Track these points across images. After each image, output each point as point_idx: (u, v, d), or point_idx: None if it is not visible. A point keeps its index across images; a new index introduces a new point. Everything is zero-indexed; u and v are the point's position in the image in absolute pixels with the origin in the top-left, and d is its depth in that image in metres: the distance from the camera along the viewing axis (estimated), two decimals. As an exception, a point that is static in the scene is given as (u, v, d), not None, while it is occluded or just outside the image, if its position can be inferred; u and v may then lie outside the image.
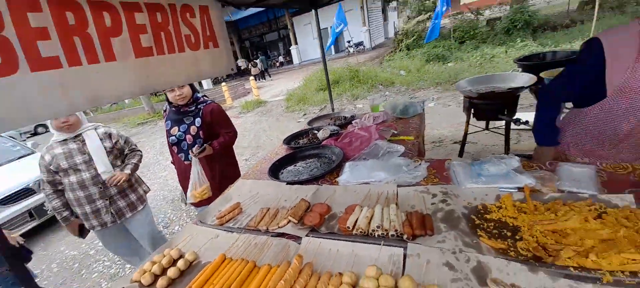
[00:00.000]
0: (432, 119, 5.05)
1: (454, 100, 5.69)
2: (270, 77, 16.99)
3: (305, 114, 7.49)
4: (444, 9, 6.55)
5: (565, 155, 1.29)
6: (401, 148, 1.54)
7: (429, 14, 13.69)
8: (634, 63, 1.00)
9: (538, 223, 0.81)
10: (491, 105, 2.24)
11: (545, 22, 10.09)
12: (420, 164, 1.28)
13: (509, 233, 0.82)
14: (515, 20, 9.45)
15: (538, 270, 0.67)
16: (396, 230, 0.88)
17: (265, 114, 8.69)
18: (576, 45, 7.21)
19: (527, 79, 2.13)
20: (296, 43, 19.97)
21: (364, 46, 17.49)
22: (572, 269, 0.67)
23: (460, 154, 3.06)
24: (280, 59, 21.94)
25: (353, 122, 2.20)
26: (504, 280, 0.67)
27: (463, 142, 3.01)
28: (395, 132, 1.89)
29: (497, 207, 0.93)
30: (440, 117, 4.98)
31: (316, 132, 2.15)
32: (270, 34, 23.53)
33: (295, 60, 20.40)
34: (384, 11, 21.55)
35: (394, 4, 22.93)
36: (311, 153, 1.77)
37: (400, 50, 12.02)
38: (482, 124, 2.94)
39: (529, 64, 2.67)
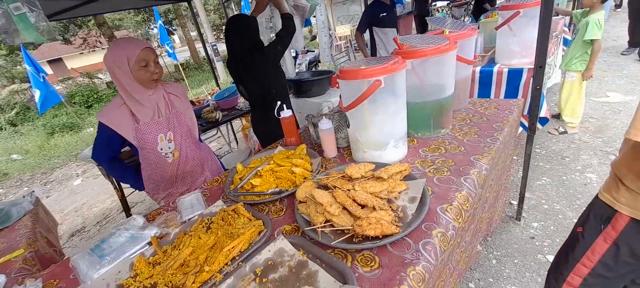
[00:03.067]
0: (86, 197, 4.00)
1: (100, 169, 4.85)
2: None
3: None
4: (42, 76, 5.16)
5: None
6: (1, 280, 0.96)
7: (24, 81, 10.44)
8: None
9: (167, 268, 0.81)
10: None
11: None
12: (28, 287, 0.86)
13: (147, 298, 0.75)
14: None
15: (171, 318, 0.65)
16: None
17: None
18: (190, 93, 8.85)
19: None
20: None
21: None
22: (196, 291, 0.72)
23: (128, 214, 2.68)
24: None
25: None
26: None
27: (124, 208, 2.64)
28: None
29: (132, 277, 0.83)
30: (95, 191, 4.05)
31: None
32: None
33: None
34: None
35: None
36: None
37: (1, 129, 8.15)
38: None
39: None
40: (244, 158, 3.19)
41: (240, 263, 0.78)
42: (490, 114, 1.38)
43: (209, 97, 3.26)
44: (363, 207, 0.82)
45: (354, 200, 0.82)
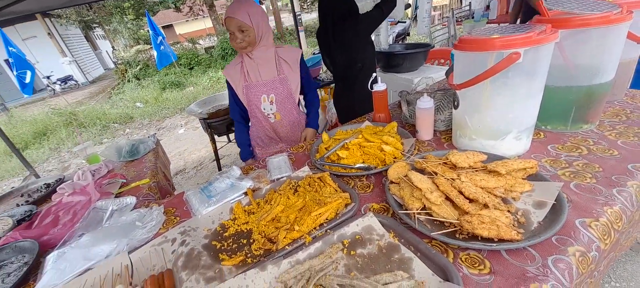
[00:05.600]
0: (187, 144, 4.82)
1: (199, 122, 5.74)
2: None
3: (-11, 196, 4.63)
4: (159, 39, 6.28)
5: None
6: (131, 200, 1.24)
7: (147, 42, 12.84)
8: None
9: (261, 218, 0.90)
10: (221, 122, 2.38)
11: None
12: (154, 211, 1.08)
13: (245, 241, 0.85)
14: (225, 47, 10.91)
15: (266, 266, 0.72)
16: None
17: None
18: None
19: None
20: None
21: (77, 81, 13.42)
22: (287, 247, 0.78)
23: (219, 168, 3.13)
24: None
25: (59, 188, 1.54)
26: (244, 293, 0.67)
27: (216, 159, 3.09)
28: (125, 180, 1.52)
29: (232, 220, 0.95)
30: (194, 141, 4.85)
31: (-14, 229, 1.31)
32: None
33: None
34: (88, 39, 17.42)
35: (100, 31, 19.18)
36: (-30, 273, 1.03)
37: (129, 81, 10.37)
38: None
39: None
40: (322, 130, 3.30)
41: (328, 230, 0.80)
42: (663, 112, 1.03)
43: (293, 66, 3.40)
44: (471, 201, 0.72)
45: (460, 192, 0.74)
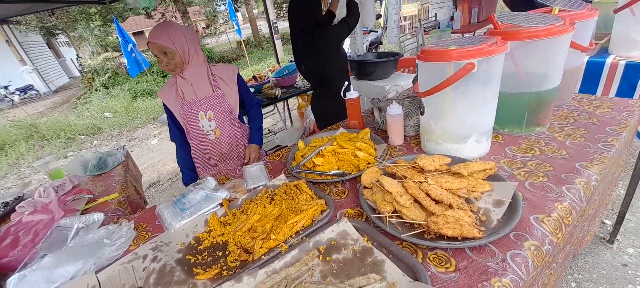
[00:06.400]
0: (161, 155, 4.62)
1: (174, 130, 5.52)
2: None
3: None
4: (129, 47, 6.03)
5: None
6: (99, 217, 1.17)
7: (116, 49, 12.24)
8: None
9: (237, 229, 0.88)
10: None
11: (222, 56, 12.84)
12: (123, 227, 1.03)
13: (220, 253, 0.83)
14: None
15: (242, 277, 0.71)
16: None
17: None
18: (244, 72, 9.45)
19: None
20: None
21: (38, 91, 12.46)
22: (263, 257, 0.77)
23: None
24: None
25: (18, 207, 1.42)
26: (220, 307, 0.66)
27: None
28: (92, 195, 1.43)
29: (207, 232, 0.92)
30: (169, 151, 4.65)
31: None
32: None
33: None
34: (50, 46, 16.27)
35: (63, 38, 18.01)
36: None
37: (96, 90, 9.80)
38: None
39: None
40: (299, 136, 3.30)
41: (304, 238, 0.81)
42: (603, 114, 1.15)
43: (270, 74, 3.39)
44: (437, 202, 0.76)
45: (428, 194, 0.77)
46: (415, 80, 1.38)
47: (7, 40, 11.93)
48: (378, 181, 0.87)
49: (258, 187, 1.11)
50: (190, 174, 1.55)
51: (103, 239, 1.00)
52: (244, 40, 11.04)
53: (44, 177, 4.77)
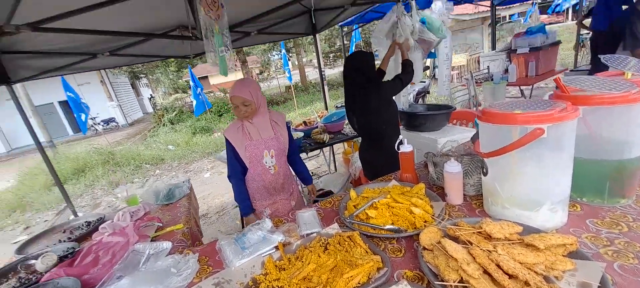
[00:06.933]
0: (211, 188, 4.96)
1: (226, 167, 5.96)
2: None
3: (27, 228, 4.92)
4: (198, 90, 7.00)
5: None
6: (167, 245, 1.30)
7: (184, 91, 14.14)
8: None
9: (292, 276, 0.91)
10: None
11: (271, 99, 14.13)
12: (189, 259, 1.12)
13: (276, 299, 0.86)
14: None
15: (300, 328, 0.72)
16: None
17: None
18: (291, 115, 10.04)
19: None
20: (-7, 125, 13.38)
21: (118, 123, 14.66)
22: (320, 309, 0.77)
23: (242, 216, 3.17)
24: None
25: (100, 227, 1.64)
26: None
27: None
28: (161, 224, 1.59)
29: (263, 275, 0.96)
30: (218, 185, 4.99)
31: (33, 262, 1.39)
32: None
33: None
34: (133, 86, 19.50)
35: (144, 80, 21.44)
36: (18, 308, 1.09)
37: (164, 125, 11.18)
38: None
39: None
40: (344, 182, 3.32)
41: (361, 295, 0.80)
42: None
43: (318, 119, 3.59)
44: (510, 277, 0.71)
45: (499, 266, 0.73)
46: (474, 138, 1.35)
47: (101, 81, 14.59)
48: (439, 243, 0.84)
49: (312, 233, 1.14)
50: (248, 205, 1.72)
51: (170, 268, 1.10)
52: (293, 85, 11.94)
53: (113, 199, 5.41)
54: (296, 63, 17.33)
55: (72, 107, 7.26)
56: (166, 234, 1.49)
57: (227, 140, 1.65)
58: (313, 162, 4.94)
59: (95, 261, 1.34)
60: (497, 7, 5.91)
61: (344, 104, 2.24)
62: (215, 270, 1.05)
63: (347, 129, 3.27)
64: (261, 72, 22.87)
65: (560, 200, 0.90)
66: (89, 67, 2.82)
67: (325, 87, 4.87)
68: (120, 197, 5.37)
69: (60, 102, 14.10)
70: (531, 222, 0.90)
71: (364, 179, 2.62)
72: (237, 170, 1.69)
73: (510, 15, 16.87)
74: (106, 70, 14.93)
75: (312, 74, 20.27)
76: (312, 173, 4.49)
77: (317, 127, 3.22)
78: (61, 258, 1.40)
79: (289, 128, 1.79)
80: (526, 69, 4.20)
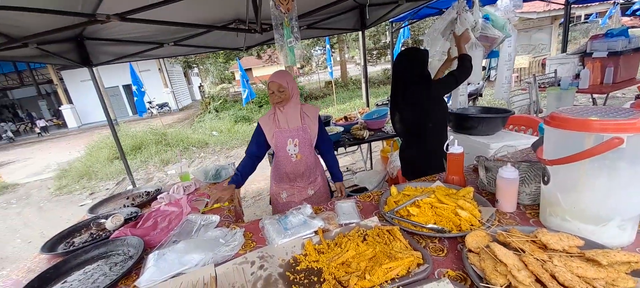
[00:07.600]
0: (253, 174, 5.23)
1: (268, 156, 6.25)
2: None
3: (92, 193, 5.67)
4: (246, 81, 7.47)
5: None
6: (216, 218, 1.43)
7: (229, 82, 15.05)
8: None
9: (331, 260, 0.95)
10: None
11: (310, 93, 14.33)
12: (236, 232, 1.23)
13: (315, 278, 0.91)
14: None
15: (338, 306, 0.76)
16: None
17: (17, 202, 5.81)
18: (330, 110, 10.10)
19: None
20: (70, 102, 15.49)
21: (170, 107, 16.11)
22: (358, 293, 0.81)
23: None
24: (41, 122, 15.22)
25: (159, 197, 1.86)
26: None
27: (275, 192, 3.28)
28: (208, 200, 1.75)
29: (303, 255, 1.02)
30: (256, 172, 5.22)
31: (103, 221, 1.63)
32: (22, 89, 16.99)
33: (72, 123, 15.63)
34: (185, 75, 21.29)
35: (195, 69, 23.21)
36: (94, 255, 1.29)
37: (209, 112, 12.00)
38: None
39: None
40: (380, 180, 3.30)
41: (400, 287, 0.82)
42: None
43: (359, 116, 3.58)
44: (565, 288, 0.67)
45: (553, 276, 0.69)
46: (536, 145, 1.27)
47: (159, 69, 16.12)
48: (488, 247, 0.82)
49: (351, 223, 1.18)
50: (239, 179, 1.83)
51: (219, 238, 1.22)
52: (335, 81, 12.01)
53: (163, 176, 5.99)
54: (338, 59, 17.37)
55: (136, 90, 8.18)
56: (213, 210, 1.63)
57: (258, 126, 1.83)
58: (348, 157, 4.95)
59: (155, 225, 1.53)
60: (572, 5, 5.28)
61: (384, 102, 2.22)
62: (258, 245, 1.14)
63: (388, 127, 3.22)
64: (302, 67, 23.33)
65: (632, 218, 0.82)
66: (155, 55, 3.15)
67: (367, 84, 4.84)
68: (170, 174, 5.94)
69: (124, 86, 15.98)
70: (595, 237, 0.83)
71: (402, 179, 2.57)
72: (252, 150, 1.86)
73: (587, 15, 14.93)
74: (166, 58, 16.51)
75: (352, 71, 20.13)
76: (347, 168, 4.51)
77: (357, 123, 3.23)
78: (126, 221, 1.61)
79: (321, 122, 1.86)
80: (602, 75, 3.72)
